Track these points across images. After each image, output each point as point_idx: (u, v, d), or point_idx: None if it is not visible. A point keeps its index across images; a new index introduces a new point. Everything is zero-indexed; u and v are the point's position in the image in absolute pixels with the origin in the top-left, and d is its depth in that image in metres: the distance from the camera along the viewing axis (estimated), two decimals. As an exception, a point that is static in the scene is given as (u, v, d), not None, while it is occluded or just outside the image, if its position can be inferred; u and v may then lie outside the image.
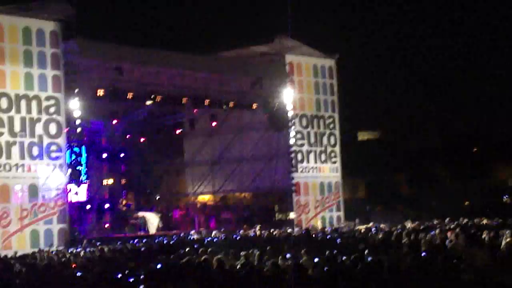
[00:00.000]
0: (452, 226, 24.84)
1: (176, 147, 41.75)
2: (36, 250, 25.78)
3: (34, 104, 28.64)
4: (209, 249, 19.24)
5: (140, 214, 35.56)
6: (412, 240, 19.20)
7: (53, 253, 24.25)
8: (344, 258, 15.42)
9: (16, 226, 27.89)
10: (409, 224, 28.45)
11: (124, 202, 37.38)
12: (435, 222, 29.41)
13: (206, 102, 34.48)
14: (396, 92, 57.67)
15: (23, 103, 28.39)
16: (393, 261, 14.40)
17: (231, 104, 35.28)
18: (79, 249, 25.44)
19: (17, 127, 28.19)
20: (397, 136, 58.04)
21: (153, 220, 35.16)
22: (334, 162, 38.58)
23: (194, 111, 36.60)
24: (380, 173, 50.93)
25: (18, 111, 28.23)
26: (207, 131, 39.29)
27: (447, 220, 28.77)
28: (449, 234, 19.59)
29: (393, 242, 20.00)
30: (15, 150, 28.08)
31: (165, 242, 26.10)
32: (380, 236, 22.54)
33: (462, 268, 13.31)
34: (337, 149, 38.72)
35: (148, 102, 33.02)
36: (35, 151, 28.55)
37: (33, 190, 28.46)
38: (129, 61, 31.24)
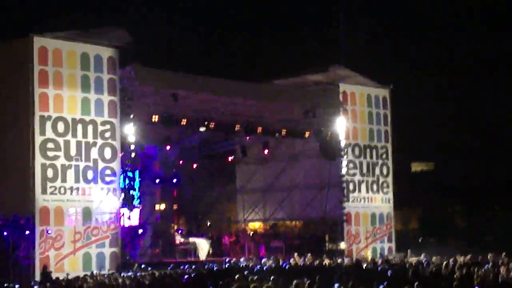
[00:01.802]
0: (506, 261, 24.45)
1: (228, 174, 41.97)
2: (88, 273, 26.13)
3: (90, 128, 29.11)
4: (259, 277, 19.26)
5: (191, 239, 35.76)
6: (464, 274, 18.98)
7: (105, 276, 24.56)
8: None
9: (69, 249, 28.21)
10: (461, 258, 28.04)
11: (175, 227, 37.67)
12: (489, 256, 28.93)
13: (259, 129, 34.74)
14: (451, 124, 57.07)
15: (79, 127, 28.85)
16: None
17: (283, 132, 35.44)
18: (130, 273, 25.71)
19: (73, 151, 28.61)
20: (452, 168, 57.32)
21: (203, 246, 35.34)
22: (386, 193, 38.31)
23: (247, 138, 36.84)
24: (433, 205, 50.34)
25: (74, 135, 28.69)
26: (259, 158, 39.46)
27: (502, 255, 28.29)
28: (502, 269, 19.32)
29: (445, 275, 19.80)
30: (70, 173, 28.50)
31: (215, 268, 26.22)
32: (432, 269, 22.32)
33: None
34: (390, 179, 38.46)
35: (202, 129, 33.38)
36: (90, 175, 28.96)
37: (87, 214, 28.81)
38: (184, 88, 31.59)
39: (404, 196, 40.77)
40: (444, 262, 25.15)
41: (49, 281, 23.93)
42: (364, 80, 37.74)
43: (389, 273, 21.67)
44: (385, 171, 38.32)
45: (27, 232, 27.63)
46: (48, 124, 28.08)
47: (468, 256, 28.54)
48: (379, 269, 24.06)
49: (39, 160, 27.77)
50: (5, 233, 28.31)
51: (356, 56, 43.60)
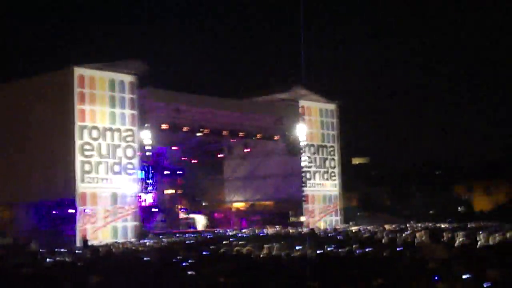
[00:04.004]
0: (420, 229, 24.77)
1: (218, 167, 42.00)
2: (115, 240, 26.10)
3: (116, 134, 29.02)
4: (241, 242, 19.37)
5: (191, 215, 35.86)
6: (390, 238, 19.19)
7: (128, 243, 24.53)
8: (340, 250, 15.52)
9: (101, 223, 28.13)
10: (388, 227, 28.36)
11: (179, 206, 37.66)
12: (408, 225, 29.28)
13: (241, 134, 34.89)
14: (383, 128, 57.77)
15: (108, 133, 28.77)
16: (376, 253, 14.47)
17: (258, 136, 35.62)
18: (146, 241, 25.70)
19: (103, 151, 28.59)
20: (382, 161, 57.89)
21: (200, 220, 35.43)
22: (334, 180, 38.54)
23: (232, 140, 37.01)
24: (368, 189, 50.91)
25: (104, 139, 28.63)
26: (241, 155, 39.56)
27: (417, 224, 28.64)
28: (417, 234, 19.57)
29: (377, 239, 19.99)
30: (102, 168, 28.43)
31: (209, 236, 26.28)
32: (367, 235, 22.52)
33: (426, 259, 13.35)
34: (336, 170, 38.64)
35: (198, 134, 33.45)
36: (116, 168, 28.87)
37: (114, 197, 28.74)
38: (185, 104, 31.73)
39: (347, 182, 40.95)
40: (376, 230, 25.42)
41: (87, 247, 23.89)
42: (317, 97, 37.95)
43: (337, 238, 21.86)
44: (333, 164, 38.50)
45: (70, 211, 27.54)
46: (85, 131, 28.02)
47: (393, 226, 28.90)
48: (329, 235, 24.24)
49: (78, 158, 27.70)
50: (54, 212, 28.28)
51: (312, 77, 43.72)
